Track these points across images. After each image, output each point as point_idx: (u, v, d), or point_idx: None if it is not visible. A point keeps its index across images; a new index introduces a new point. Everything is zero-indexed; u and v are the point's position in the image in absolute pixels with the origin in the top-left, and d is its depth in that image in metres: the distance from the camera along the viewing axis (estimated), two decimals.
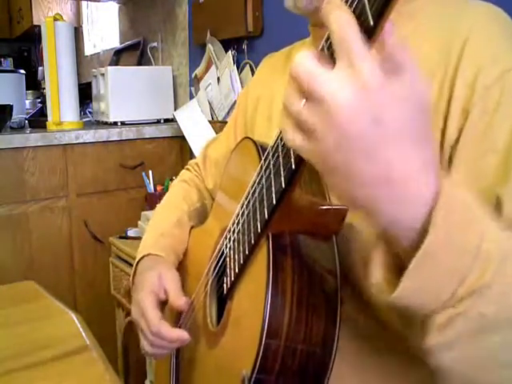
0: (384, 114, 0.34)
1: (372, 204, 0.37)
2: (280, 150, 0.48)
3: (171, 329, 0.67)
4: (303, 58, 0.35)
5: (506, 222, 0.47)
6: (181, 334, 0.67)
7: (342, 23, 0.34)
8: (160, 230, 0.83)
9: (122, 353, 1.67)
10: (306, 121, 0.36)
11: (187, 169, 0.98)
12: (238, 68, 1.61)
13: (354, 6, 0.35)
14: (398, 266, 0.40)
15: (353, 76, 0.33)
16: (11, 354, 0.68)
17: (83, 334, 0.73)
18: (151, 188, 1.70)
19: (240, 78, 1.59)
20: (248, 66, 1.58)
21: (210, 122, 1.71)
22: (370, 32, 0.34)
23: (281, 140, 0.48)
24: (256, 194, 0.54)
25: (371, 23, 0.34)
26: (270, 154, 0.50)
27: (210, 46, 1.71)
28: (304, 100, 0.36)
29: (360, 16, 0.34)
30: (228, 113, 1.64)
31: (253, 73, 1.57)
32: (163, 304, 0.72)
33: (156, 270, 0.74)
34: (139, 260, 0.80)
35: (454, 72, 0.52)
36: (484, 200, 0.49)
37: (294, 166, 0.44)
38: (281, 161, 0.47)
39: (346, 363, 0.55)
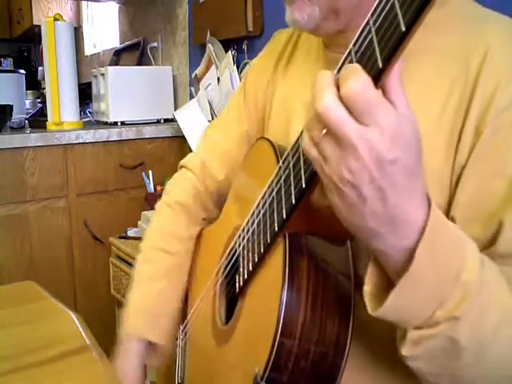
0: (396, 162, 0.37)
1: (371, 234, 0.41)
2: (301, 151, 0.48)
3: None
4: (328, 99, 0.37)
5: (499, 251, 0.49)
6: None
7: (361, 87, 0.36)
8: (142, 296, 0.78)
9: None
10: (323, 149, 0.39)
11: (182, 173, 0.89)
12: (237, 68, 1.61)
13: (363, 50, 0.38)
14: (385, 286, 0.44)
15: (374, 129, 0.36)
16: (11, 354, 0.68)
17: (83, 334, 0.73)
18: (151, 188, 1.70)
19: (240, 78, 1.59)
20: (248, 66, 1.58)
21: (209, 122, 1.71)
22: (379, 74, 0.36)
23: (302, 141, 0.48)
24: (274, 194, 0.54)
25: (380, 66, 0.36)
26: (290, 155, 0.50)
27: (209, 46, 1.71)
28: (325, 130, 0.38)
29: (369, 59, 0.37)
30: None
31: None
32: None
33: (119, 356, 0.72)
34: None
35: (472, 88, 0.52)
36: (487, 224, 0.50)
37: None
38: (302, 162, 0.47)
39: (359, 366, 0.55)
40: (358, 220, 0.40)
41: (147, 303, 0.77)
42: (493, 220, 0.50)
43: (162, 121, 2.03)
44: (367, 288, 0.44)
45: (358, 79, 0.35)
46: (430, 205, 0.41)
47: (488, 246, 0.50)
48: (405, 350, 0.44)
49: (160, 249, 0.80)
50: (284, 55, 0.76)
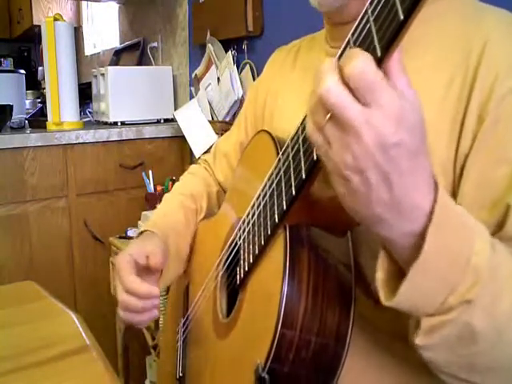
0: (400, 145, 0.36)
1: (377, 221, 0.40)
2: (301, 142, 0.48)
3: (143, 284, 0.67)
4: (331, 82, 0.37)
5: (508, 234, 0.49)
6: (152, 289, 0.67)
7: (364, 66, 0.35)
8: (162, 212, 0.84)
9: (122, 353, 1.67)
10: (327, 134, 0.38)
11: (198, 162, 0.99)
12: (238, 68, 1.61)
13: (362, 39, 0.38)
14: (396, 273, 0.43)
15: (377, 111, 0.36)
16: (11, 354, 0.68)
17: (83, 334, 0.73)
18: (151, 188, 1.70)
19: (240, 78, 1.59)
20: (248, 65, 1.58)
21: (209, 121, 1.71)
22: (378, 62, 0.36)
23: (301, 132, 0.48)
24: (274, 186, 0.54)
25: (378, 55, 0.36)
26: (290, 147, 0.51)
27: (209, 46, 1.71)
28: (329, 115, 0.37)
29: (368, 49, 0.37)
30: (228, 113, 1.64)
31: (253, 73, 1.57)
32: (145, 270, 0.71)
33: (140, 240, 0.75)
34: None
35: (473, 76, 0.53)
36: (494, 209, 0.51)
37: (315, 158, 0.45)
38: (302, 153, 0.47)
39: (359, 359, 0.56)
40: (364, 207, 0.39)
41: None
42: (499, 206, 0.50)
43: (162, 121, 2.03)
44: (380, 274, 0.44)
45: (360, 58, 0.35)
46: (437, 189, 0.40)
47: (496, 231, 0.50)
48: (419, 339, 0.44)
49: (179, 193, 0.88)
50: (287, 60, 0.79)
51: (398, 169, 0.37)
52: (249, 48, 1.59)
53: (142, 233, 0.79)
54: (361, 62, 0.35)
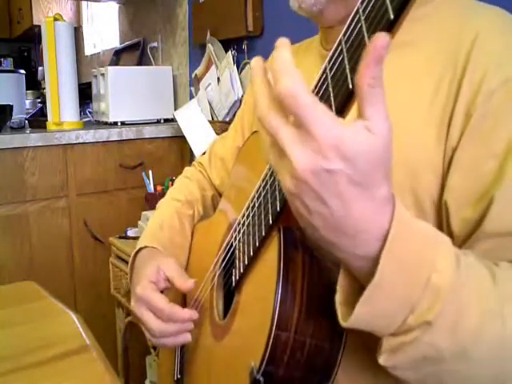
0: (336, 173, 0.34)
1: (327, 243, 0.39)
2: None
3: (182, 309, 0.67)
4: (263, 106, 0.37)
5: (486, 230, 0.49)
6: (192, 312, 0.66)
7: (292, 87, 0.34)
8: (158, 222, 0.83)
9: (122, 353, 1.67)
10: (270, 157, 0.38)
11: (193, 165, 0.98)
12: (238, 68, 1.61)
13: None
14: (358, 291, 0.42)
15: (309, 137, 0.34)
16: (11, 354, 0.68)
17: (83, 334, 0.73)
18: (151, 188, 1.70)
19: (240, 78, 1.59)
20: (248, 66, 1.58)
21: (210, 122, 1.71)
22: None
23: None
24: (268, 187, 0.54)
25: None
26: None
27: (209, 46, 1.71)
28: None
29: (359, 46, 0.37)
30: (228, 113, 1.64)
31: None
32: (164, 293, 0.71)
33: (153, 262, 0.73)
34: (136, 254, 0.80)
35: (461, 73, 0.53)
36: (478, 204, 0.50)
37: None
38: None
39: (355, 361, 0.55)
40: (311, 230, 0.39)
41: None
42: (484, 200, 0.50)
43: (162, 121, 2.03)
44: (338, 297, 0.43)
45: (289, 78, 0.34)
46: (393, 210, 0.38)
47: (476, 228, 0.50)
48: (382, 359, 0.42)
49: (172, 199, 0.87)
50: None
51: (336, 196, 0.35)
52: (249, 48, 1.60)
53: (140, 249, 0.79)
54: (290, 83, 0.34)
